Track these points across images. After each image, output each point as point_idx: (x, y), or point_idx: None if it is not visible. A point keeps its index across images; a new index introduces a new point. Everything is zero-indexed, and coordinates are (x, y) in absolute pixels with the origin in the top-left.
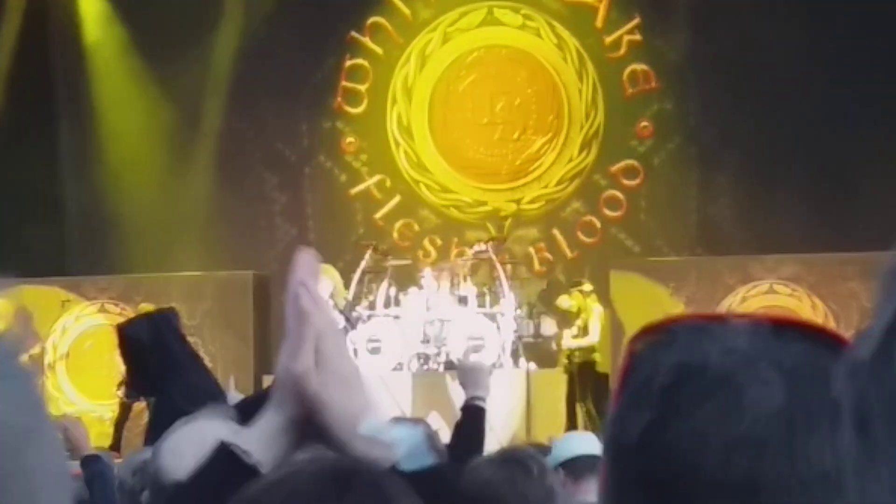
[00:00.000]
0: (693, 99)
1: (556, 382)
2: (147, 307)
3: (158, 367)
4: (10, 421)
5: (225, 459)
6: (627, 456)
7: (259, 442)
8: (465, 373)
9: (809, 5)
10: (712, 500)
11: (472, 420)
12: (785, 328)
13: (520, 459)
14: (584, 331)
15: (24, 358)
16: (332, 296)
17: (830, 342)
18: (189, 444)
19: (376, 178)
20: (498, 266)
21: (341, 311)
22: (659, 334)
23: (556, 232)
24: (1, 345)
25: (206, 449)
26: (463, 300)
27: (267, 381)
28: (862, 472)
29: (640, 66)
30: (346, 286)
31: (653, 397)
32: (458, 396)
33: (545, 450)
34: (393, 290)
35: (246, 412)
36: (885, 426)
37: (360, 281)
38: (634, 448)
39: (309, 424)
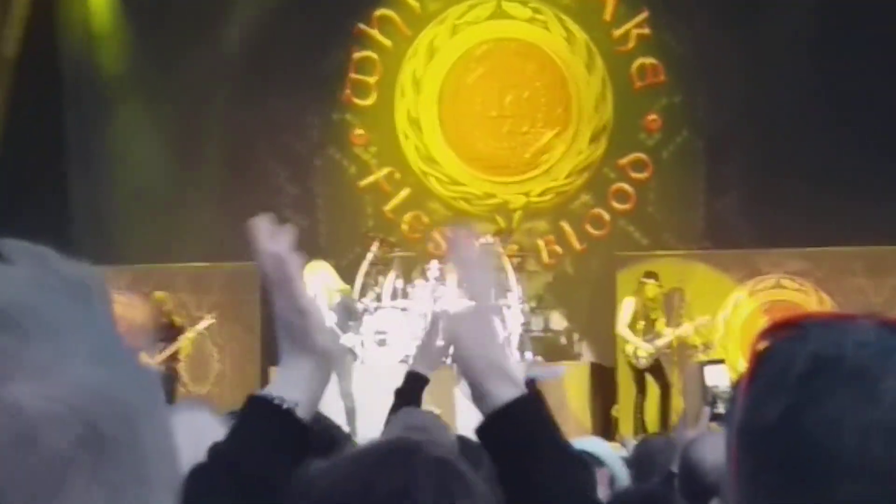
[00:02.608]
0: (701, 92)
1: (564, 375)
2: (160, 295)
3: None
4: (124, 398)
5: (259, 410)
6: (765, 439)
7: (288, 385)
8: (426, 354)
9: (821, 1)
10: (849, 482)
11: (415, 386)
12: None
13: None
14: (653, 326)
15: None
16: (325, 291)
17: None
18: (184, 431)
19: (385, 170)
20: (504, 258)
21: (335, 307)
22: (791, 329)
23: (564, 224)
24: (116, 332)
25: (198, 434)
26: None
27: (273, 373)
28: None
29: (648, 60)
30: (353, 279)
31: (790, 384)
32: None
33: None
34: (400, 283)
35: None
36: None
37: (367, 273)
38: (772, 431)
39: (328, 361)
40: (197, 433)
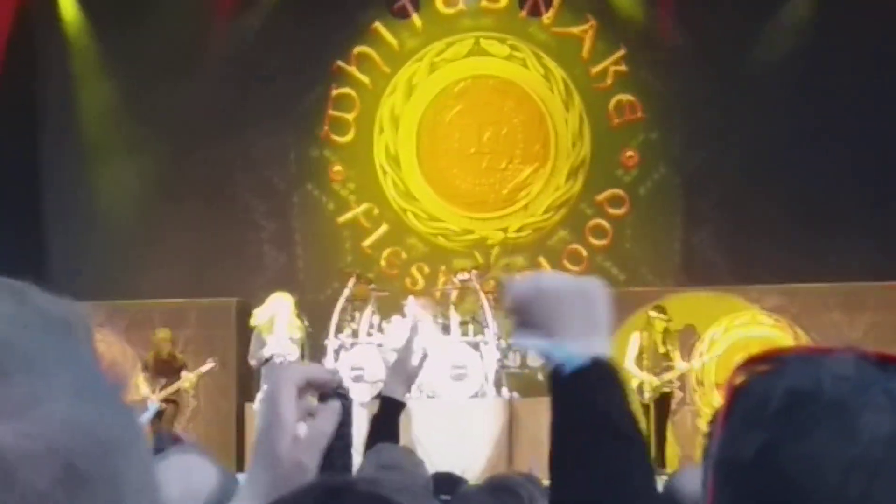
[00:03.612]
0: (678, 129)
1: (540, 412)
2: (164, 332)
3: None
4: (103, 434)
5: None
6: (741, 476)
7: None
8: (401, 372)
9: (796, 38)
10: None
11: (390, 413)
12: (888, 361)
13: (510, 487)
14: (667, 358)
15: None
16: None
17: None
18: (176, 475)
19: (364, 206)
20: (481, 294)
21: (295, 339)
22: (768, 363)
23: (542, 260)
24: (97, 367)
25: (195, 481)
26: (446, 329)
27: (249, 409)
28: None
29: (626, 97)
30: (330, 314)
31: (767, 420)
32: (440, 424)
33: (530, 478)
34: (376, 319)
35: None
36: None
37: (344, 309)
38: (748, 468)
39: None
40: (188, 475)
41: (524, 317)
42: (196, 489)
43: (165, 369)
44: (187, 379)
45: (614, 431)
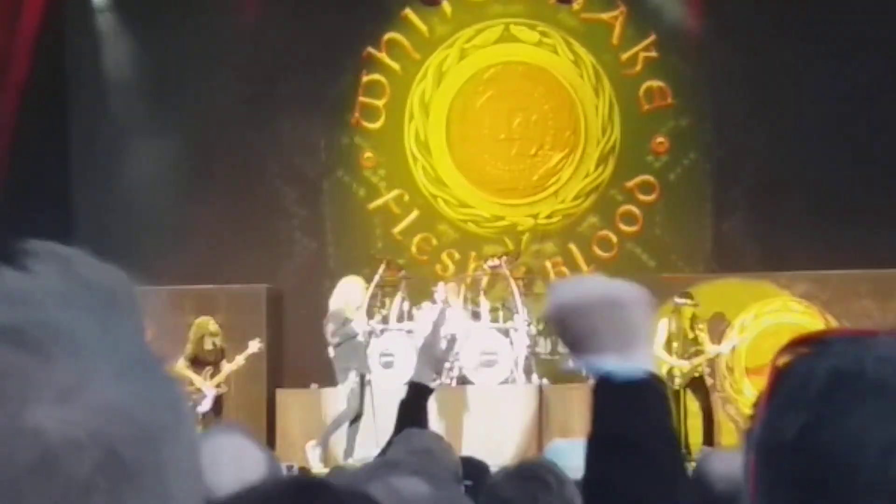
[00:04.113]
0: (709, 115)
1: (570, 398)
2: (204, 319)
3: None
4: (147, 418)
5: None
6: (782, 456)
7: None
8: (429, 356)
9: (826, 23)
10: (868, 499)
11: (419, 398)
12: None
13: (537, 474)
14: (696, 343)
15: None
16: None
17: None
18: (228, 458)
19: (394, 192)
20: (511, 281)
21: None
22: (811, 345)
23: (572, 246)
24: (144, 343)
25: (245, 463)
26: (476, 315)
27: (280, 394)
28: None
29: (656, 83)
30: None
31: (809, 400)
32: (470, 411)
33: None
34: (406, 305)
35: None
36: None
37: (374, 295)
38: (790, 448)
39: None
40: (238, 460)
41: (565, 327)
42: (246, 475)
43: (207, 358)
44: (237, 363)
45: (655, 447)
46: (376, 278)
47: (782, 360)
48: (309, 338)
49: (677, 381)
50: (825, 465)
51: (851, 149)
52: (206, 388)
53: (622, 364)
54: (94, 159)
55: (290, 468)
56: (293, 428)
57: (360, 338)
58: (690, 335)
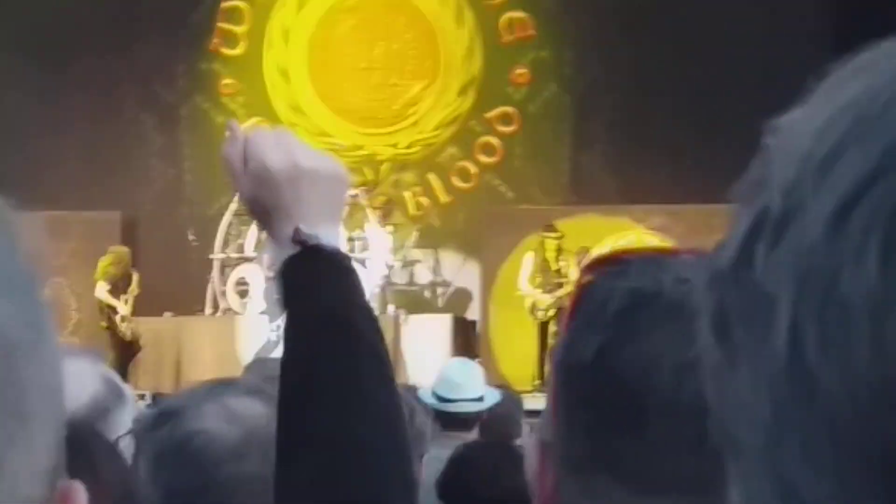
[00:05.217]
0: (569, 48)
1: (427, 329)
2: (122, 249)
3: None
4: (8, 332)
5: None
6: (580, 376)
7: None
8: None
9: None
10: (663, 419)
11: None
12: None
13: None
14: (560, 276)
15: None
16: None
17: None
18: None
19: (253, 120)
20: (368, 211)
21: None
22: (612, 264)
23: (431, 176)
24: (16, 261)
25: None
26: None
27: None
28: (721, 374)
29: (517, 14)
30: (216, 229)
31: (607, 320)
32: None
33: (412, 389)
34: (263, 234)
35: None
36: (744, 328)
37: (231, 224)
38: (588, 368)
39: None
40: (76, 382)
41: (264, 193)
42: (77, 395)
43: (124, 284)
44: (134, 286)
45: (350, 325)
46: (232, 207)
47: (585, 280)
48: (164, 265)
49: (539, 313)
50: (620, 386)
51: (710, 83)
52: (125, 311)
53: (325, 236)
54: None
55: (141, 397)
56: (148, 356)
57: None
58: (554, 267)
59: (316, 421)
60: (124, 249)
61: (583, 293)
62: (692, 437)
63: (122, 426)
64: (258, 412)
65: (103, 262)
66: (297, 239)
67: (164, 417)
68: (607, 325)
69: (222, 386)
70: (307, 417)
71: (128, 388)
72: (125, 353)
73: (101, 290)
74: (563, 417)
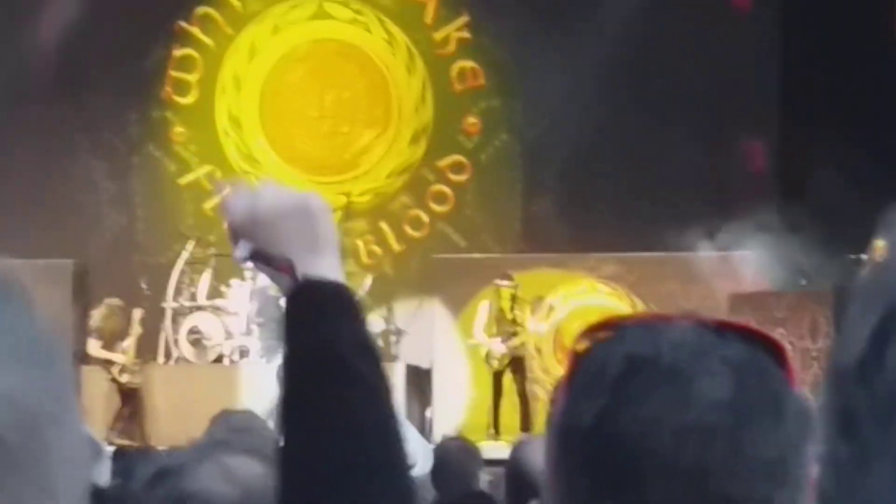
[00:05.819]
0: (520, 97)
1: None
2: (117, 302)
3: None
4: (31, 405)
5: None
6: (579, 441)
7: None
8: None
9: (640, 4)
10: (662, 483)
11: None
12: (726, 329)
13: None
14: (515, 325)
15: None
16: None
17: (765, 343)
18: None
19: (205, 168)
20: None
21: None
22: (609, 331)
23: (383, 225)
24: (35, 331)
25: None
26: None
27: (85, 371)
28: (851, 473)
29: (468, 63)
30: (169, 278)
31: (605, 385)
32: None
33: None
34: (216, 283)
35: None
36: (876, 428)
37: (183, 272)
38: (587, 433)
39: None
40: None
41: (246, 238)
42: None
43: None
44: (135, 333)
45: (343, 362)
46: (185, 255)
47: (581, 346)
48: None
49: (494, 362)
50: (620, 450)
51: (661, 130)
52: (123, 361)
53: (315, 271)
54: None
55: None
56: (98, 404)
57: None
58: (509, 316)
59: (314, 452)
60: (116, 303)
61: (580, 359)
62: (691, 499)
63: (100, 480)
64: (256, 472)
65: (94, 318)
66: (290, 277)
67: (161, 476)
68: (606, 390)
69: (221, 444)
70: (305, 449)
71: (103, 443)
72: (132, 403)
73: (94, 347)
74: (563, 482)
